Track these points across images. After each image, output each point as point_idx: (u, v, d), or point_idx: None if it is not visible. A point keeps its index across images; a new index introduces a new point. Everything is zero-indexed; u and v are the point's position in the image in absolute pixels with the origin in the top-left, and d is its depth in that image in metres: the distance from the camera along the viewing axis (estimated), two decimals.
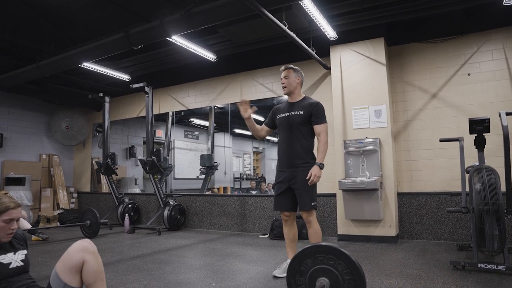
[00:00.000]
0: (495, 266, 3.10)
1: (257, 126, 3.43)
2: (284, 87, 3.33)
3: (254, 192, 8.37)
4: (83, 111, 8.74)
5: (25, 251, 2.01)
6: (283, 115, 3.33)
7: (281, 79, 3.34)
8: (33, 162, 8.04)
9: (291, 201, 3.24)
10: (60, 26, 5.76)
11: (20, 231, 2.10)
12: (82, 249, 1.88)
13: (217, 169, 8.41)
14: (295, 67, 3.36)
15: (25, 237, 2.11)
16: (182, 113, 8.68)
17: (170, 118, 8.83)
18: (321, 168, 3.08)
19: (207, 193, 7.94)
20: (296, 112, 3.25)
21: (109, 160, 7.08)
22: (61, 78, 7.18)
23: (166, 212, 6.38)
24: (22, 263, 1.94)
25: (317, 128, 3.20)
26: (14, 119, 7.85)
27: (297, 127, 3.23)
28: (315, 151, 3.27)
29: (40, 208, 7.81)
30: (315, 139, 3.28)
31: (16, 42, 5.74)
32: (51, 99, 8.11)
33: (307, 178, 3.03)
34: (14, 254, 1.93)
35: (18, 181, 7.28)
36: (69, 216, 7.36)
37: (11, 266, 1.88)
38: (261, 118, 9.74)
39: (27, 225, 5.21)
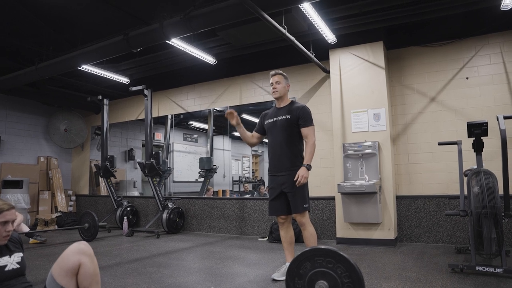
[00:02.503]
0: (493, 269, 3.11)
1: (248, 133, 3.51)
2: (275, 92, 3.38)
3: (248, 196, 8.36)
4: (82, 113, 8.74)
5: (21, 254, 2.00)
6: (271, 120, 3.39)
7: (272, 84, 3.39)
8: (31, 164, 8.02)
9: (285, 205, 3.27)
10: (60, 28, 5.76)
11: (15, 234, 2.09)
12: (79, 252, 1.87)
13: (216, 172, 8.39)
14: (284, 73, 3.42)
15: (20, 240, 2.11)
16: (181, 116, 8.66)
17: (169, 121, 8.81)
18: (308, 170, 3.12)
19: (205, 195, 7.93)
20: (283, 117, 3.30)
21: (108, 163, 7.07)
22: (60, 81, 7.18)
23: (165, 215, 6.37)
24: (18, 266, 1.93)
25: (304, 130, 3.25)
26: (12, 122, 7.84)
27: (285, 131, 3.27)
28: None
29: (38, 211, 7.79)
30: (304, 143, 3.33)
31: (15, 44, 5.75)
32: (49, 101, 8.10)
33: (295, 179, 3.08)
34: (10, 257, 1.92)
35: (16, 184, 7.27)
36: (67, 219, 7.33)
37: (6, 269, 1.87)
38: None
39: (25, 228, 5.17)
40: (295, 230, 4.37)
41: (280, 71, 3.40)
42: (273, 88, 3.38)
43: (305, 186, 3.20)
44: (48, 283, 1.84)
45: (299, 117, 3.25)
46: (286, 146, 3.26)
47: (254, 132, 3.56)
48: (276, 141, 3.32)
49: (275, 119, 3.35)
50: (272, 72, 3.41)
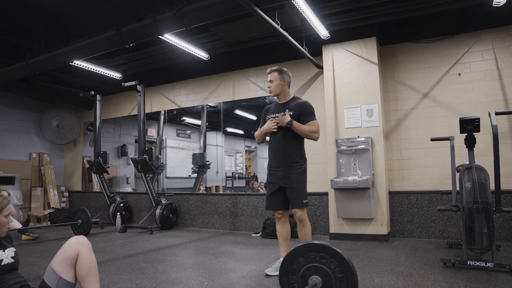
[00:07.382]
0: (483, 263, 3.15)
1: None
2: (270, 91, 3.41)
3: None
4: (74, 109, 8.66)
5: (13, 248, 2.04)
6: (272, 116, 3.38)
7: (268, 82, 3.41)
8: (23, 161, 7.95)
9: (283, 201, 3.29)
10: (51, 23, 5.68)
11: None
12: (78, 242, 1.98)
13: (209, 168, 8.38)
14: (282, 68, 3.40)
15: (10, 235, 2.14)
16: (174, 112, 8.64)
17: (162, 117, 8.78)
18: (288, 125, 3.15)
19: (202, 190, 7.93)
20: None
21: (101, 159, 7.03)
22: (51, 76, 7.09)
23: (158, 211, 6.35)
24: (13, 260, 1.97)
25: (308, 125, 3.25)
26: (4, 118, 7.75)
27: (285, 128, 3.25)
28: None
29: (30, 208, 7.73)
30: (305, 140, 3.34)
31: (6, 39, 5.66)
32: (41, 97, 8.01)
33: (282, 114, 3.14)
34: (4, 251, 1.95)
35: (8, 180, 7.18)
36: (60, 216, 7.28)
37: (3, 263, 1.90)
38: (253, 117, 9.76)
39: (18, 225, 5.14)
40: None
41: (276, 67, 3.38)
42: (268, 87, 3.41)
43: (303, 181, 3.25)
44: (47, 276, 1.91)
45: (301, 113, 3.26)
46: (286, 142, 3.26)
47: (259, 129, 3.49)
48: (276, 137, 3.31)
49: (276, 115, 3.34)
50: (268, 70, 3.40)
